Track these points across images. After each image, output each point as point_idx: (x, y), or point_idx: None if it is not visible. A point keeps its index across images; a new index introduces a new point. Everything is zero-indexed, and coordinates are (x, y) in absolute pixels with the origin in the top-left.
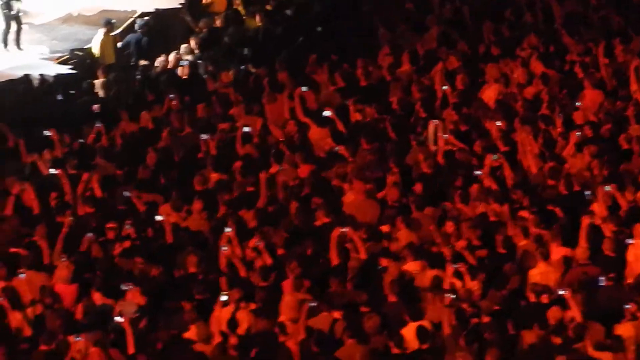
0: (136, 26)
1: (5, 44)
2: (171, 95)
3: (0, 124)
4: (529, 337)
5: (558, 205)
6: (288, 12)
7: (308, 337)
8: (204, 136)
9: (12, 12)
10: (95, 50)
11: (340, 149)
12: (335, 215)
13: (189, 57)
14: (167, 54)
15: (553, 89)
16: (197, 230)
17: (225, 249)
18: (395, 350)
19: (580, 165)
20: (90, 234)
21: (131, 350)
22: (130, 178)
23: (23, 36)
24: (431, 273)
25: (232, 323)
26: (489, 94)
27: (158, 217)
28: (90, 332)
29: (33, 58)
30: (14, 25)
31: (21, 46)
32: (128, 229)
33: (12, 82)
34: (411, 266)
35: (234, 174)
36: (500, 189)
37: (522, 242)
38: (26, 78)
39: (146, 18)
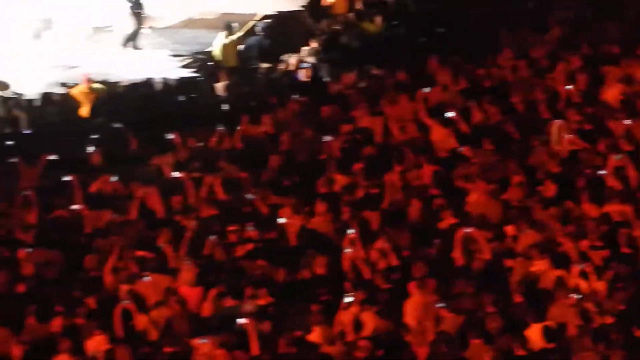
0: (257, 29)
1: (135, 45)
2: (293, 98)
3: (124, 127)
4: None
5: None
6: (408, 13)
7: (434, 338)
8: (326, 138)
9: (142, 12)
10: (217, 53)
11: (464, 149)
12: (460, 216)
13: (311, 60)
14: (289, 57)
15: None
16: (320, 232)
17: (349, 250)
18: (520, 351)
19: None
20: (214, 236)
21: (255, 351)
22: (254, 181)
23: (145, 40)
24: (556, 273)
25: (357, 325)
26: (612, 93)
27: (281, 220)
28: (215, 334)
29: (155, 62)
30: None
31: (140, 47)
32: (251, 231)
33: (134, 85)
34: (536, 266)
35: (357, 176)
36: (624, 189)
37: None
38: (148, 81)
39: (267, 21)
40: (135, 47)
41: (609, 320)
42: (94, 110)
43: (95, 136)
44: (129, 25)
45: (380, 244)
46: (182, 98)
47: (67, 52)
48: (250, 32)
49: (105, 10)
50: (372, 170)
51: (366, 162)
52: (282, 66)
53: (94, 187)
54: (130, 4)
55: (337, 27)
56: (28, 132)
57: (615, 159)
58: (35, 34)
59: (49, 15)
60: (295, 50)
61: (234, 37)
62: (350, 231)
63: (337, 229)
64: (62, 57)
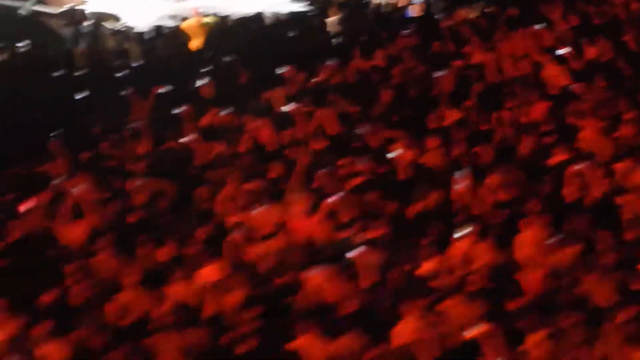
0: None
1: None
2: (405, 32)
3: (235, 60)
4: None
5: None
6: None
7: (545, 273)
8: (438, 73)
9: None
10: None
11: (575, 87)
12: (571, 153)
13: None
14: None
15: None
16: (431, 167)
17: (460, 186)
18: (635, 286)
19: None
20: (324, 170)
21: (365, 284)
22: (364, 115)
23: None
24: None
25: (467, 259)
26: None
27: (392, 154)
28: (326, 265)
29: None
30: None
31: None
32: (361, 165)
33: (245, 19)
34: None
35: (468, 111)
36: None
37: None
38: (259, 15)
39: None
40: None
41: None
42: (204, 43)
43: (206, 69)
44: None
45: (491, 179)
46: (293, 32)
47: None
48: None
49: None
50: (483, 106)
51: (477, 98)
52: (393, 1)
53: (204, 120)
54: None
55: None
56: (139, 64)
57: None
58: None
59: None
60: None
61: None
62: (462, 168)
63: (448, 164)
64: None
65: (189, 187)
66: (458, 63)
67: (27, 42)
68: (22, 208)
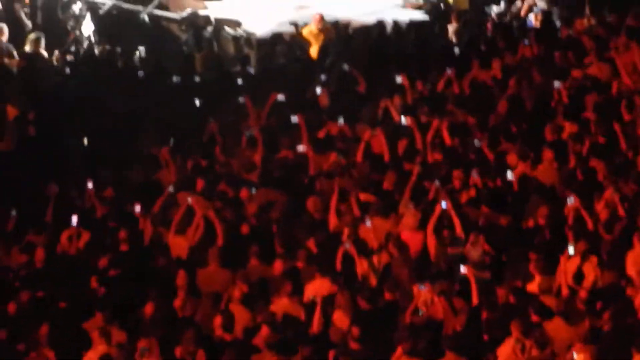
0: None
1: None
2: (524, 43)
3: (353, 69)
4: None
5: None
6: None
7: None
8: (556, 84)
9: None
10: None
11: None
12: None
13: (542, 4)
14: (521, 1)
15: None
16: (546, 181)
17: (572, 200)
18: None
19: None
20: (438, 182)
21: (475, 301)
22: (481, 126)
23: None
24: None
25: (579, 276)
26: None
27: (508, 171)
28: (435, 281)
29: (386, 4)
30: None
31: None
32: (475, 177)
33: (366, 28)
34: None
35: (586, 124)
36: None
37: None
38: (380, 24)
39: None
40: None
41: None
42: (322, 51)
43: (324, 77)
44: None
45: (607, 194)
46: (412, 41)
47: None
48: None
49: None
50: (601, 118)
51: (595, 110)
52: (513, 10)
53: (319, 129)
54: None
55: None
56: (258, 70)
57: None
58: None
59: None
60: None
61: None
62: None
63: (563, 178)
64: None
65: (301, 197)
66: (577, 74)
67: (147, 46)
68: (135, 216)
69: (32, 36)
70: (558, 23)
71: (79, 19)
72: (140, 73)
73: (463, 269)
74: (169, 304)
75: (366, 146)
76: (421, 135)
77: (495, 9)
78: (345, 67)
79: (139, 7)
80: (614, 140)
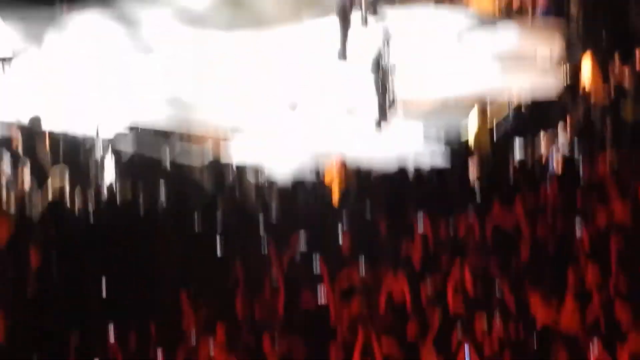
0: (512, 113)
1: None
2: (545, 185)
3: (375, 214)
4: None
5: None
6: None
7: None
8: (578, 228)
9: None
10: (471, 138)
11: None
12: None
13: (565, 145)
14: (543, 142)
15: None
16: (568, 331)
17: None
18: None
19: None
20: (460, 330)
21: None
22: (503, 270)
23: (397, 125)
24: None
25: None
26: None
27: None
28: None
29: (407, 147)
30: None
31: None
32: (497, 325)
33: (387, 174)
34: None
35: (609, 272)
36: None
37: None
38: (401, 170)
39: (522, 104)
40: (385, 130)
41: None
42: (344, 197)
43: (345, 223)
44: (378, 108)
45: (628, 346)
46: (433, 184)
47: (320, 137)
48: (505, 116)
49: (356, 91)
50: (624, 267)
51: (619, 258)
52: (535, 152)
53: (341, 276)
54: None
55: (594, 112)
56: (278, 217)
57: None
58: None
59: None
60: (550, 134)
61: (488, 121)
62: None
63: (585, 328)
64: (314, 143)
65: (323, 346)
66: (600, 219)
67: (169, 193)
68: None
69: (56, 169)
70: (580, 164)
71: (101, 166)
72: (162, 220)
73: None
74: None
75: (388, 294)
76: (443, 281)
77: (516, 151)
78: (367, 212)
79: (161, 154)
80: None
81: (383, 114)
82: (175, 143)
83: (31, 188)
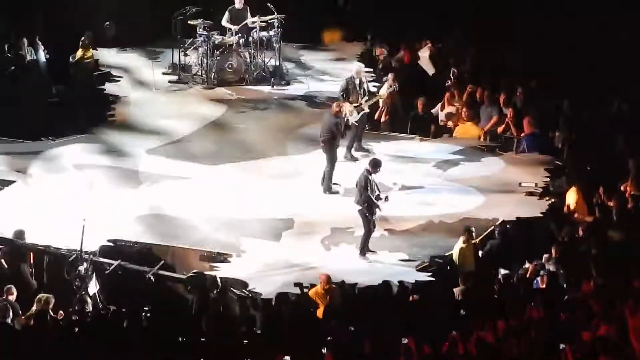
0: (496, 233)
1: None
2: (529, 304)
3: (357, 329)
4: None
5: None
6: None
7: None
8: (561, 345)
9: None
10: (455, 257)
11: None
12: None
13: (550, 267)
14: (527, 263)
15: None
16: None
17: None
18: None
19: None
20: None
21: None
22: None
23: (382, 243)
24: None
25: None
26: None
27: None
28: None
29: (391, 265)
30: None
31: (378, 252)
32: None
33: (372, 288)
34: None
35: None
36: None
37: None
38: (385, 284)
39: (507, 226)
40: (367, 251)
41: None
42: (328, 311)
43: (329, 338)
44: (364, 228)
45: None
46: (417, 302)
47: (304, 253)
48: (489, 236)
49: (343, 211)
50: None
51: None
52: (520, 272)
53: None
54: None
55: (578, 234)
56: (262, 331)
57: None
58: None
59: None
60: (535, 256)
61: (473, 241)
62: None
63: None
64: (298, 258)
65: None
66: (586, 336)
67: (151, 307)
68: None
69: (42, 296)
70: (565, 285)
71: (84, 279)
72: (146, 333)
73: None
74: None
75: None
76: None
77: (502, 271)
78: (350, 327)
79: (145, 267)
80: None
81: (365, 234)
82: (159, 256)
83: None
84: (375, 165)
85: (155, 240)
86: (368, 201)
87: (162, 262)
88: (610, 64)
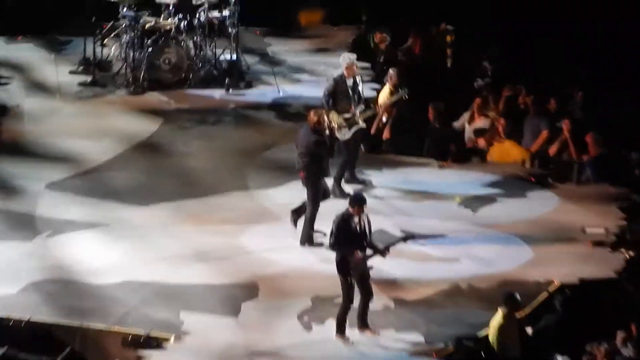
0: (551, 303)
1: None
2: None
3: None
4: None
5: None
6: None
7: None
8: None
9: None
10: (492, 338)
11: None
12: None
13: (627, 351)
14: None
15: None
16: None
17: None
18: None
19: None
20: None
21: None
22: None
23: (388, 318)
24: None
25: None
26: None
27: None
28: None
29: (401, 350)
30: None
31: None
32: None
33: None
34: None
35: None
36: None
37: None
38: None
39: (566, 291)
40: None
41: None
42: None
43: None
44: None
45: None
46: None
47: (274, 334)
48: (541, 307)
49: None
50: None
51: None
52: (585, 359)
53: None
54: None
55: None
56: None
57: None
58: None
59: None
60: (604, 336)
61: (517, 314)
62: None
63: None
64: (265, 341)
65: None
66: None
67: None
68: None
69: None
70: None
71: None
72: None
73: None
74: None
75: None
76: None
77: (559, 358)
78: None
79: (42, 357)
80: None
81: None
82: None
83: None
84: (355, 201)
85: (57, 317)
86: (344, 254)
87: (68, 349)
88: None
